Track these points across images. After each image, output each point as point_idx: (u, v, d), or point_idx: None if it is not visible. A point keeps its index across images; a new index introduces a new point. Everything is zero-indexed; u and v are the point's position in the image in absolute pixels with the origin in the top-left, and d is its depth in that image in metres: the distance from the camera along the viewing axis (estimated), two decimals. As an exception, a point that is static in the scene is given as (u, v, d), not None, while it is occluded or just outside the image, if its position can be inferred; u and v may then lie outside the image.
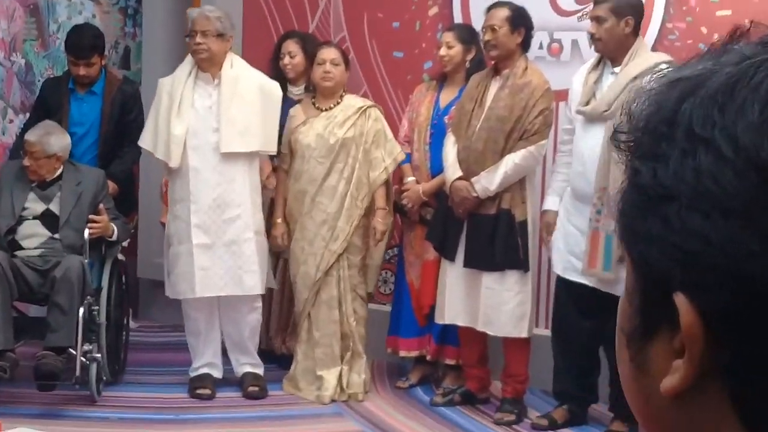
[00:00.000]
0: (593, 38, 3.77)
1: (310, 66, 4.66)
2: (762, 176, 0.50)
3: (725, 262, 0.50)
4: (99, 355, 4.15)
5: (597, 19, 3.73)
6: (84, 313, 4.04)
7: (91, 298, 4.14)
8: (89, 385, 4.12)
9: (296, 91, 4.70)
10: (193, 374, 4.43)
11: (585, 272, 3.76)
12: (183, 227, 4.25)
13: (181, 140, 4.21)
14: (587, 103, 3.76)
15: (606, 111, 3.67)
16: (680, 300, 0.52)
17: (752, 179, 0.50)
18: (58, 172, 4.32)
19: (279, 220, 4.41)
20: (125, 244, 4.56)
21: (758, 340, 0.50)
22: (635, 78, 3.63)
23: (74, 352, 3.99)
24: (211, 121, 4.23)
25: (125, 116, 4.79)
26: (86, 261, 4.15)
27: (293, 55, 4.70)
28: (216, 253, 4.24)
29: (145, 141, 4.36)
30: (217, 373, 4.45)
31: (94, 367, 4.12)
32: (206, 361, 4.42)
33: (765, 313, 0.50)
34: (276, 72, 4.63)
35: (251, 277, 4.28)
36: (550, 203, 4.03)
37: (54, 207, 4.27)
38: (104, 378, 4.26)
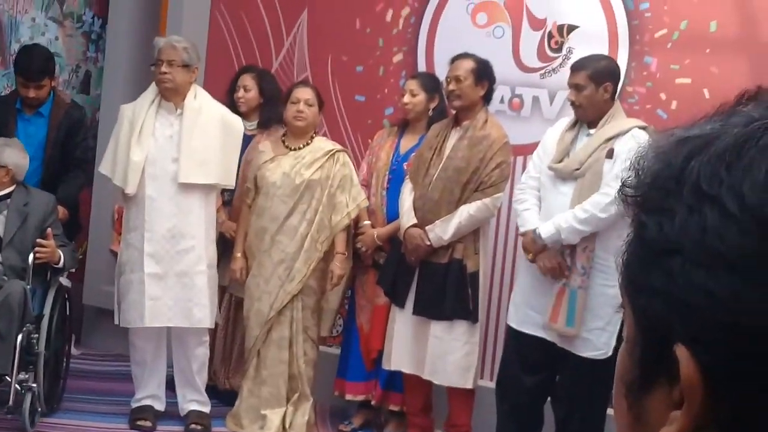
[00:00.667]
0: (573, 105, 3.76)
1: (263, 102, 4.67)
2: (767, 233, 0.51)
3: (728, 316, 0.51)
4: (35, 385, 4.04)
5: (576, 87, 3.72)
6: (22, 340, 3.95)
7: (31, 325, 4.03)
8: (22, 415, 4.01)
9: (249, 125, 4.66)
10: (134, 405, 4.35)
11: (546, 326, 3.75)
12: (136, 255, 4.20)
13: (139, 167, 4.17)
14: (560, 161, 3.78)
15: (577, 170, 3.70)
16: (681, 352, 0.53)
17: (757, 236, 0.51)
18: (8, 190, 4.25)
19: (239, 255, 4.37)
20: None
21: (757, 394, 0.51)
22: (608, 140, 3.67)
23: (9, 380, 3.89)
24: (171, 150, 4.20)
25: (71, 140, 4.73)
26: (28, 287, 4.06)
27: (248, 89, 4.70)
28: (167, 283, 4.19)
29: (104, 166, 4.32)
30: (159, 406, 4.38)
31: (28, 397, 4.01)
32: (149, 393, 4.35)
33: (765, 368, 0.51)
34: (231, 105, 4.60)
35: (200, 311, 4.22)
36: (535, 222, 3.74)
37: (-3, 226, 4.19)
38: (39, 409, 4.15)
